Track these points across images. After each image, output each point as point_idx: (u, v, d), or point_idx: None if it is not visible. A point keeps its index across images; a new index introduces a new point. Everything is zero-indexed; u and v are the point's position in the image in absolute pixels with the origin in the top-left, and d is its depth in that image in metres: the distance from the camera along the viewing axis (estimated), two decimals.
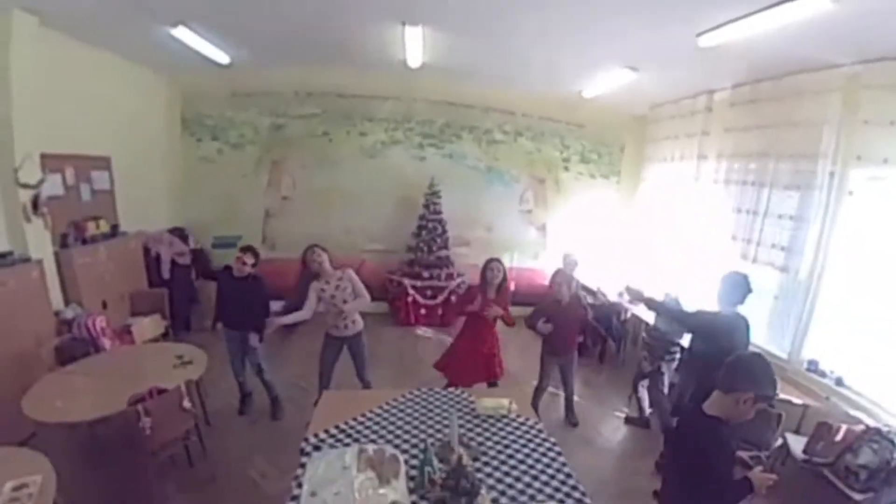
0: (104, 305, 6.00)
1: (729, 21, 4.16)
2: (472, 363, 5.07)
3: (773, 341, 5.51)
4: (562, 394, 5.71)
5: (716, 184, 6.45)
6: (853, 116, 4.61)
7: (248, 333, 5.07)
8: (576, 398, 5.74)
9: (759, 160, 5.74)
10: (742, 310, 4.21)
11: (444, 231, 8.42)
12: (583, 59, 6.15)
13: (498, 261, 5.14)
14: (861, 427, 3.94)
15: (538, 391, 5.53)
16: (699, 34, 4.54)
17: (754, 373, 2.37)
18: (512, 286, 8.72)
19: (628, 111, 8.70)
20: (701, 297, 6.59)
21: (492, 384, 5.15)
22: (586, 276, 7.69)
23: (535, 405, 5.50)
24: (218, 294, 5.31)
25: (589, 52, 5.82)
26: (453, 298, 8.39)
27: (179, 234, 7.91)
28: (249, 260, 5.04)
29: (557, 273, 5.58)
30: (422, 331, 8.30)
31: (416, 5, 4.87)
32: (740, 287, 4.15)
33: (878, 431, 3.79)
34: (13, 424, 4.10)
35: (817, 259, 5.02)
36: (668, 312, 4.91)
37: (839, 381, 4.64)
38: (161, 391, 3.89)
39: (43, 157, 5.27)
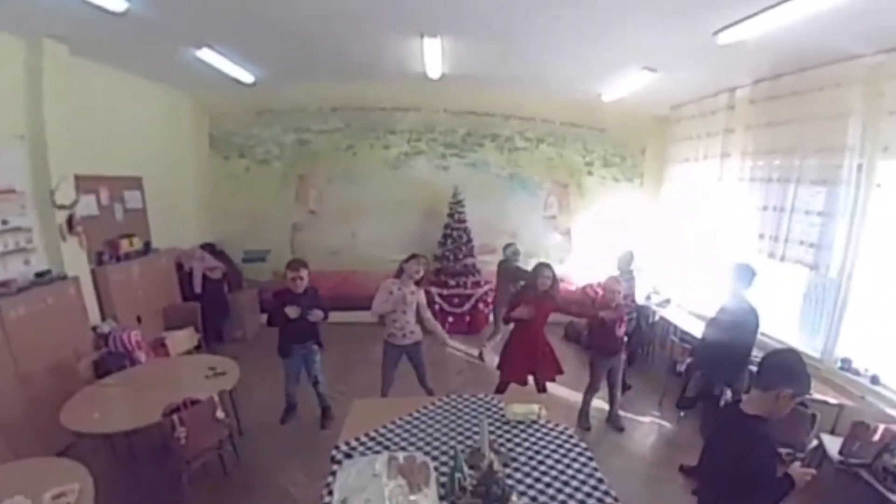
0: (139, 320, 6.16)
1: (746, 17, 4.12)
2: (528, 359, 5.16)
3: (805, 340, 5.44)
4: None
5: (741, 182, 6.37)
6: (878, 107, 4.55)
7: (312, 346, 5.26)
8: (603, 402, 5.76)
9: (784, 156, 5.67)
10: (753, 298, 4.59)
11: (470, 239, 8.46)
12: (600, 61, 6.12)
13: (547, 266, 5.16)
14: None
15: (588, 394, 5.59)
16: (716, 32, 4.52)
17: (792, 369, 2.36)
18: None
19: (649, 113, 8.65)
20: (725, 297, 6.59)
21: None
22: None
23: (586, 410, 5.61)
24: (281, 319, 5.06)
25: (606, 55, 5.79)
26: (480, 306, 8.45)
27: (210, 249, 8.09)
28: (305, 273, 5.10)
29: (610, 279, 5.51)
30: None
31: (434, 17, 4.91)
32: (745, 273, 4.59)
33: None
34: (52, 435, 4.26)
35: (847, 255, 4.94)
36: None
37: (874, 380, 4.55)
38: (195, 402, 3.97)
39: (77, 178, 5.47)
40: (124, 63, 6.26)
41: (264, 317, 8.38)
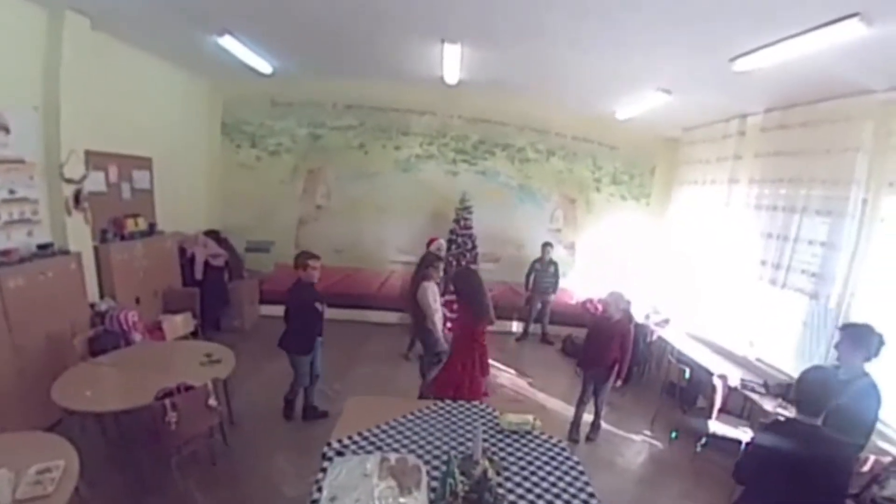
0: (137, 301, 6.14)
1: (763, 46, 4.16)
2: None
3: (802, 367, 5.41)
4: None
5: (747, 208, 6.38)
6: (886, 143, 4.57)
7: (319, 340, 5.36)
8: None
9: (790, 185, 5.68)
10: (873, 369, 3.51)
11: (474, 246, 8.42)
12: (619, 79, 6.15)
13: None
14: (888, 458, 3.85)
15: (578, 406, 5.65)
16: (733, 58, 4.55)
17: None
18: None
19: (661, 133, 8.67)
20: (725, 321, 6.55)
21: None
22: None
23: (576, 422, 5.66)
24: (313, 313, 5.13)
25: (625, 72, 5.81)
26: None
27: (214, 236, 8.08)
28: (318, 264, 5.16)
29: (610, 294, 5.54)
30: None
31: (457, 24, 4.93)
32: (864, 340, 3.50)
33: None
34: (42, 410, 4.24)
35: (847, 287, 4.94)
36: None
37: None
38: (188, 388, 3.96)
39: (88, 154, 5.47)
40: (144, 43, 6.27)
41: (263, 308, 8.47)
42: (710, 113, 7.12)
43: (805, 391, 2.71)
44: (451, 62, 6.06)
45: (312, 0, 4.63)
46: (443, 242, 7.24)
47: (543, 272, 8.52)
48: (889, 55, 3.93)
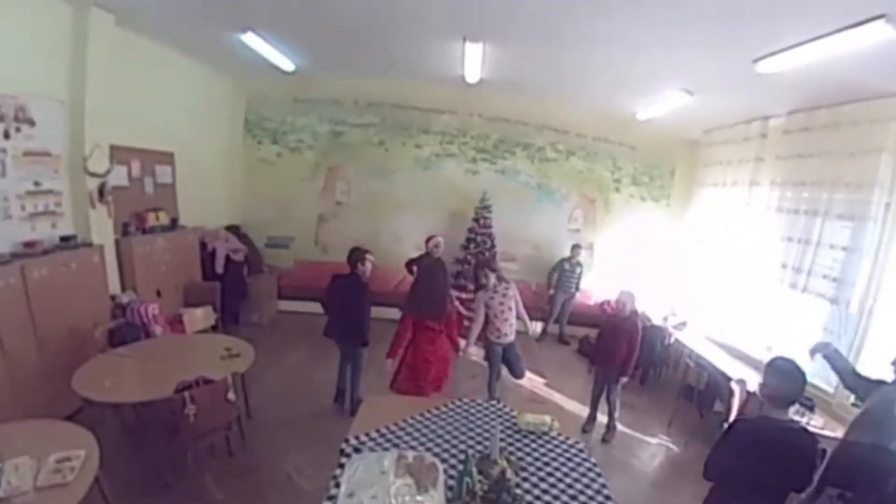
0: (158, 294, 6.20)
1: (787, 47, 4.12)
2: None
3: (820, 372, 5.35)
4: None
5: (768, 210, 6.31)
6: None
7: None
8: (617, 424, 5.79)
9: (812, 188, 5.61)
10: None
11: (493, 245, 8.41)
12: (640, 79, 6.12)
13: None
14: None
15: (592, 399, 5.80)
16: (756, 60, 4.50)
17: None
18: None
19: (681, 135, 8.61)
20: (744, 324, 6.47)
21: None
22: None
23: (591, 414, 5.80)
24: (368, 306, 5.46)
25: (648, 72, 5.77)
26: None
27: (235, 231, 8.15)
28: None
29: (622, 293, 5.57)
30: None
31: (479, 22, 4.92)
32: None
33: None
34: (62, 399, 4.30)
35: (869, 292, 4.88)
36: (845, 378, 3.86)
37: None
38: (208, 381, 3.99)
39: (112, 148, 5.54)
40: (168, 39, 6.33)
41: (282, 303, 8.53)
42: (732, 114, 7.05)
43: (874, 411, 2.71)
44: (473, 61, 6.05)
45: None
46: (441, 240, 7.21)
47: (571, 272, 8.54)
48: None
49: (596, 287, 9.06)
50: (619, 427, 5.76)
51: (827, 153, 5.43)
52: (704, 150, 8.42)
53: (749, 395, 5.26)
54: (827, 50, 3.89)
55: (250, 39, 5.82)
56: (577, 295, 8.77)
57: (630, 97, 7.10)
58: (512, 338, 5.64)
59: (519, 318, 5.67)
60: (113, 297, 5.54)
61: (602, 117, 8.48)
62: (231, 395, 4.10)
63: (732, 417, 5.11)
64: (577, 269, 8.57)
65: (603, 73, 6.15)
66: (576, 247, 8.54)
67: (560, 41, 5.15)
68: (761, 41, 4.19)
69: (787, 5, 3.51)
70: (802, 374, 2.73)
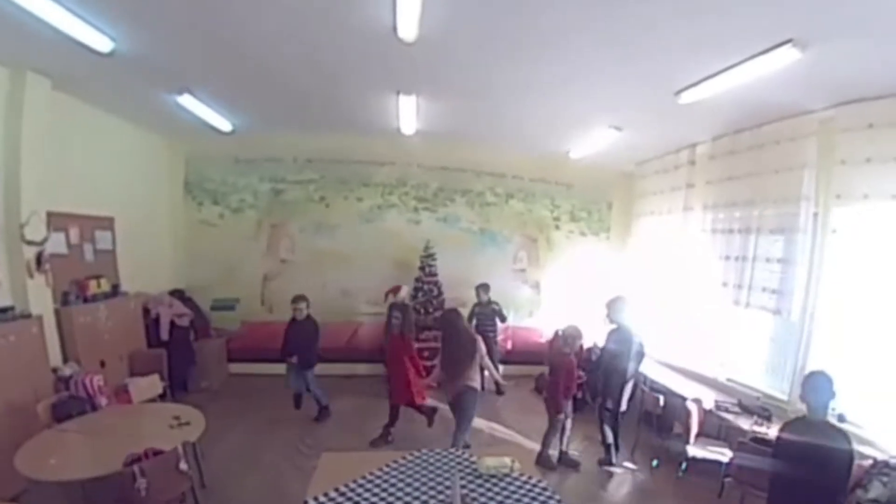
0: (102, 364, 5.97)
1: (706, 77, 4.44)
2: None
3: (772, 383, 5.59)
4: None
5: (703, 233, 6.63)
6: (830, 158, 4.84)
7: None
8: (574, 453, 5.94)
9: (743, 207, 5.95)
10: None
11: (441, 293, 8.46)
12: (570, 120, 6.43)
13: None
14: (869, 461, 3.92)
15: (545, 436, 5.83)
16: (678, 91, 4.82)
17: None
18: (509, 344, 8.89)
19: (615, 169, 8.99)
20: (694, 345, 6.66)
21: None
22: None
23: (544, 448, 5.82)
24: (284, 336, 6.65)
25: (577, 113, 6.09)
26: None
27: (179, 295, 7.97)
28: (302, 304, 6.53)
29: (568, 328, 5.74)
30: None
31: (410, 76, 5.15)
32: (821, 386, 3.32)
33: (886, 464, 3.79)
34: (5, 480, 4.08)
35: (808, 299, 5.15)
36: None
37: (841, 418, 4.60)
38: (157, 452, 3.82)
39: (49, 215, 5.41)
40: (105, 103, 6.32)
41: (231, 366, 8.32)
42: (661, 146, 7.44)
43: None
44: (408, 113, 6.25)
45: (269, 57, 4.76)
46: (405, 290, 7.23)
47: (483, 314, 8.22)
48: (824, 76, 4.24)
49: (546, 324, 9.14)
50: (583, 461, 5.85)
51: (754, 173, 5.79)
52: (639, 182, 8.82)
53: (706, 413, 5.40)
54: (743, 76, 4.22)
55: (187, 101, 5.87)
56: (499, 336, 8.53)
57: (562, 137, 7.39)
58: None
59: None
60: (55, 370, 5.29)
61: (537, 159, 8.80)
62: (183, 465, 3.92)
63: (692, 437, 5.22)
64: (488, 309, 8.24)
65: (534, 117, 6.43)
66: (481, 286, 8.20)
67: (488, 90, 5.43)
68: (680, 74, 4.51)
69: (700, 38, 3.82)
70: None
